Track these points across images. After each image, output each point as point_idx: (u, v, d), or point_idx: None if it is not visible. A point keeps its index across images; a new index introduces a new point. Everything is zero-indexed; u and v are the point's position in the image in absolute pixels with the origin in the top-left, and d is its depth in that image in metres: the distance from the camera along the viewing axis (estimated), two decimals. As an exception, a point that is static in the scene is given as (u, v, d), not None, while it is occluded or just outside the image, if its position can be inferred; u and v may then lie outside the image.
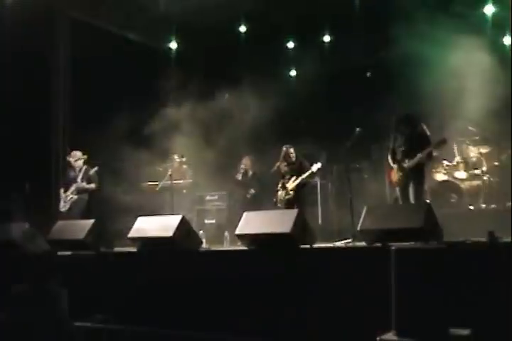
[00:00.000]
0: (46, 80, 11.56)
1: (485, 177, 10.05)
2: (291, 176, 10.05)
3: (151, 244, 7.17)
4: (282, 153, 10.24)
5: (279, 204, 10.06)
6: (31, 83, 10.67)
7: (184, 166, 11.30)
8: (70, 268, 7.05)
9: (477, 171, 10.20)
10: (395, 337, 4.71)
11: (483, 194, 10.03)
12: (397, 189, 8.52)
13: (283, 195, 10.04)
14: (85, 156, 10.28)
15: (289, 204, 9.91)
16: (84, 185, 10.01)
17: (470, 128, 10.31)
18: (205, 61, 13.75)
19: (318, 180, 11.22)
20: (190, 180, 11.35)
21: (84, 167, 10.20)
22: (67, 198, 10.01)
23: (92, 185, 10.09)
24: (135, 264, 7.07)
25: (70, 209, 9.99)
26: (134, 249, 7.38)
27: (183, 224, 7.10)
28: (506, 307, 4.73)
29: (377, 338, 4.69)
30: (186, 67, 12.68)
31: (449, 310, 4.72)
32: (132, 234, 7.35)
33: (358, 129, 8.43)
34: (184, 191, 11.22)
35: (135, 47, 12.75)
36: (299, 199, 9.99)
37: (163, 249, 6.96)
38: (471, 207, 9.81)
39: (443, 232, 5.92)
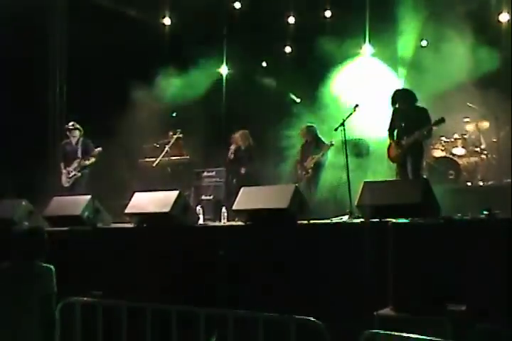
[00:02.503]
0: (43, 56, 11.49)
1: (483, 156, 10.03)
2: (309, 155, 10.09)
3: (148, 220, 7.17)
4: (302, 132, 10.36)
5: (300, 182, 10.00)
6: (29, 58, 10.58)
7: (181, 142, 11.24)
8: (67, 243, 7.04)
9: (476, 148, 10.19)
10: (392, 312, 4.72)
11: (481, 170, 10.02)
12: (396, 165, 8.51)
13: (303, 173, 10.13)
14: (81, 128, 10.16)
15: (306, 182, 9.99)
16: (86, 162, 9.94)
17: (469, 104, 10.25)
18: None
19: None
20: (187, 156, 11.31)
21: (81, 139, 10.10)
22: (69, 174, 9.96)
23: (93, 159, 10.02)
24: (132, 240, 7.06)
25: (73, 184, 9.94)
26: (130, 225, 7.38)
27: (180, 199, 7.08)
28: (503, 283, 4.73)
29: (375, 313, 4.70)
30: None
31: (446, 285, 4.73)
32: (129, 209, 7.33)
33: (355, 104, 8.37)
34: (181, 167, 11.18)
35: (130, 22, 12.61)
36: (318, 177, 10.01)
37: (160, 224, 6.96)
38: (469, 184, 9.80)
39: (440, 208, 5.91)
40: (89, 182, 10.04)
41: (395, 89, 8.71)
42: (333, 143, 9.60)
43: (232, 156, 10.78)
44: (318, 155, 9.94)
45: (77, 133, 10.08)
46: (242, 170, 10.67)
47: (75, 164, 9.93)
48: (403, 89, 8.80)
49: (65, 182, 9.95)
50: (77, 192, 9.60)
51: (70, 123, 10.13)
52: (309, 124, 10.35)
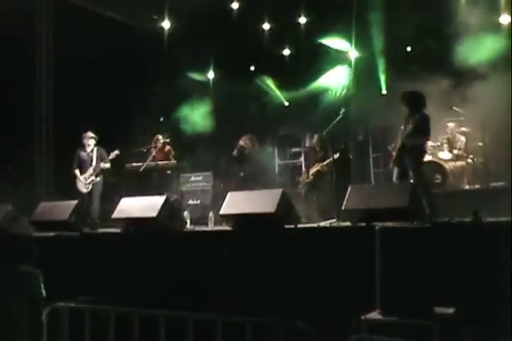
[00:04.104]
0: (30, 60, 11.46)
1: (469, 160, 10.08)
2: (315, 162, 10.21)
3: (135, 225, 7.14)
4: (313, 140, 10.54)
5: (299, 186, 10.46)
6: (14, 64, 10.53)
7: (168, 147, 11.21)
8: (54, 248, 7.00)
9: (460, 152, 10.24)
10: (379, 316, 4.73)
11: (467, 174, 10.07)
12: (395, 168, 8.42)
13: (304, 178, 10.34)
14: (96, 137, 10.23)
15: (308, 187, 10.20)
16: (101, 165, 9.98)
17: (454, 108, 10.29)
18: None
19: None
20: (174, 161, 11.28)
21: (96, 148, 10.17)
22: (87, 180, 9.98)
23: (107, 165, 10.06)
24: (119, 245, 7.03)
25: (91, 190, 10.00)
26: (117, 230, 7.35)
27: (167, 204, 7.07)
28: (490, 286, 4.75)
29: (362, 317, 4.70)
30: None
31: (434, 289, 4.74)
32: (116, 214, 7.31)
33: (341, 110, 8.40)
34: (168, 172, 11.15)
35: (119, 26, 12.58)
36: (318, 184, 10.09)
37: (147, 229, 6.94)
38: (455, 188, 9.84)
39: (427, 212, 5.94)
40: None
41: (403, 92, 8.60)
42: (337, 155, 9.59)
43: (237, 153, 10.81)
44: (322, 164, 9.99)
45: (92, 142, 10.18)
46: (241, 174, 10.74)
47: (91, 170, 9.98)
48: (410, 92, 8.62)
49: (83, 187, 9.97)
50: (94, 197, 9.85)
51: (87, 132, 10.21)
52: (318, 134, 10.36)
